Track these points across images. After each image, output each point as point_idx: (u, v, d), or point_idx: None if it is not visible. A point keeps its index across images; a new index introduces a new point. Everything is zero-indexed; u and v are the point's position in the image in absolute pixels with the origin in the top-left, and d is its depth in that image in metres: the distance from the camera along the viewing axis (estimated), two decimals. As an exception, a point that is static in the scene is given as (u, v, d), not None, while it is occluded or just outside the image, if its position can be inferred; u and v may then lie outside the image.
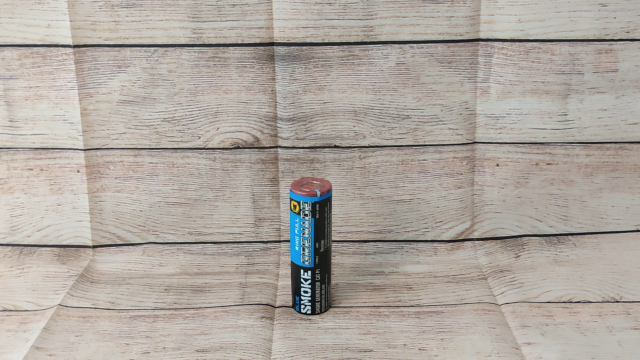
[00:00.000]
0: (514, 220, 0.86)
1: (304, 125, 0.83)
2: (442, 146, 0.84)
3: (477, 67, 0.82)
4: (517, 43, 0.81)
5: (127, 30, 0.80)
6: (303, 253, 0.72)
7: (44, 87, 0.82)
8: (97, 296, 0.78)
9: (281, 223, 0.86)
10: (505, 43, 0.81)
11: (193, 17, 0.80)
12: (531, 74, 0.82)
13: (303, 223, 0.71)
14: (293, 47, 0.80)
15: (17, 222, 0.86)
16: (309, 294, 0.74)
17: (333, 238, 0.86)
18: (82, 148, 0.84)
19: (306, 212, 0.71)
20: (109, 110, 0.83)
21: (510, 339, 0.69)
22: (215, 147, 0.84)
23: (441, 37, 0.80)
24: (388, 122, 0.83)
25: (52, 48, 0.81)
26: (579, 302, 0.75)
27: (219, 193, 0.85)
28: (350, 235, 0.86)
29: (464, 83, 0.82)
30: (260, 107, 0.83)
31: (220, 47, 0.81)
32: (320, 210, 0.71)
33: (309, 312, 0.74)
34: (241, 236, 0.86)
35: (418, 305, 0.75)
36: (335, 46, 0.81)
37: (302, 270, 0.73)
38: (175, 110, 0.83)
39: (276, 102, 0.82)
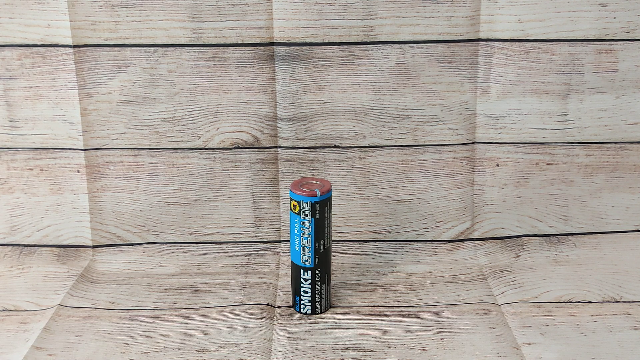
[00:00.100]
0: (514, 220, 0.86)
1: (304, 125, 0.83)
2: (442, 146, 0.84)
3: (477, 67, 0.82)
4: (517, 43, 0.81)
5: (127, 30, 0.80)
6: (303, 253, 0.72)
7: (44, 87, 0.82)
8: (97, 296, 0.78)
9: (281, 223, 0.86)
10: (505, 43, 0.81)
11: (193, 17, 0.80)
12: (531, 74, 0.82)
13: (303, 223, 0.71)
14: (293, 47, 0.80)
15: (17, 222, 0.86)
16: (309, 294, 0.74)
17: (333, 238, 0.86)
18: (82, 148, 0.84)
19: (306, 212, 0.71)
20: (109, 110, 0.83)
21: (510, 339, 0.69)
22: (215, 147, 0.84)
23: (441, 37, 0.80)
24: (388, 122, 0.83)
25: (52, 48, 0.81)
26: (579, 302, 0.75)
27: (219, 193, 0.85)
28: (350, 235, 0.86)
29: (464, 83, 0.82)
30: (260, 107, 0.83)
31: (220, 47, 0.81)
32: (320, 210, 0.71)
33: (309, 312, 0.74)
34: (241, 236, 0.86)
35: (418, 305, 0.75)
36: (335, 46, 0.81)
37: (302, 270, 0.73)
38: (175, 110, 0.83)
39: (276, 102, 0.82)
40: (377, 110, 0.83)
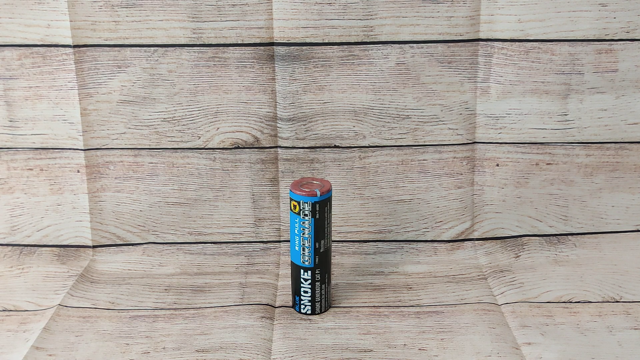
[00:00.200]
0: (514, 220, 0.86)
1: (304, 125, 0.83)
2: (442, 146, 0.84)
3: (477, 67, 0.82)
4: (517, 43, 0.81)
5: (127, 30, 0.80)
6: (303, 253, 0.72)
7: (44, 87, 0.82)
8: (97, 296, 0.78)
9: (281, 223, 0.86)
10: (505, 43, 0.81)
11: (193, 17, 0.80)
12: (531, 74, 0.82)
13: (303, 223, 0.71)
14: (293, 47, 0.80)
15: (17, 222, 0.86)
16: (309, 294, 0.74)
17: (333, 238, 0.86)
18: (82, 148, 0.84)
19: (306, 212, 0.71)
20: (109, 110, 0.83)
21: (510, 339, 0.69)
22: (215, 147, 0.84)
23: (441, 37, 0.80)
24: (388, 122, 0.83)
25: (52, 48, 0.81)
26: (579, 302, 0.75)
27: (219, 193, 0.85)
28: (350, 235, 0.86)
29: (464, 83, 0.82)
30: (260, 107, 0.83)
31: (220, 47, 0.81)
32: (320, 210, 0.71)
33: (309, 312, 0.74)
34: (241, 236, 0.86)
35: (418, 305, 0.75)
36: (335, 46, 0.81)
37: (302, 270, 0.73)
38: (175, 110, 0.83)
39: (276, 102, 0.82)
40: (377, 110, 0.83)
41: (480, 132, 0.84)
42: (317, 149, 0.84)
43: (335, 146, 0.84)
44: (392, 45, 0.81)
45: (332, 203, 0.84)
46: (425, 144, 0.84)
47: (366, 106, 0.82)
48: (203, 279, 0.81)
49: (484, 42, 0.81)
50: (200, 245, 0.86)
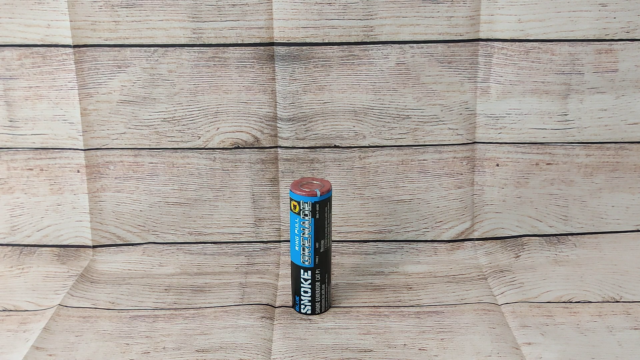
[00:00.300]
0: (514, 220, 0.86)
1: (304, 125, 0.83)
2: (442, 146, 0.84)
3: (477, 67, 0.82)
4: (517, 43, 0.81)
5: (127, 30, 0.80)
6: (303, 253, 0.72)
7: (44, 87, 0.82)
8: (97, 296, 0.78)
9: (281, 223, 0.86)
10: (505, 43, 0.81)
11: (193, 17, 0.80)
12: (531, 74, 0.82)
13: (303, 223, 0.71)
14: (293, 47, 0.80)
15: (17, 222, 0.86)
16: (309, 294, 0.74)
17: (333, 238, 0.86)
18: (82, 148, 0.84)
19: (306, 212, 0.71)
20: (109, 110, 0.83)
21: (510, 339, 0.69)
22: (215, 147, 0.84)
23: (441, 37, 0.80)
24: (388, 122, 0.83)
25: (52, 48, 0.81)
26: (579, 302, 0.75)
27: (219, 193, 0.85)
28: (350, 235, 0.86)
29: (464, 83, 0.82)
30: (260, 107, 0.83)
31: (220, 47, 0.81)
32: (320, 210, 0.71)
33: (309, 312, 0.74)
34: (241, 236, 0.86)
35: (418, 305, 0.75)
36: (335, 46, 0.81)
37: (302, 270, 0.73)
38: (175, 110, 0.83)
39: (276, 102, 0.82)
40: (377, 110, 0.83)
41: (480, 132, 0.84)
42: (317, 149, 0.84)
43: (335, 146, 0.84)
44: (392, 45, 0.81)
45: (332, 203, 0.84)
46: (425, 144, 0.84)
47: (366, 106, 0.82)
48: (203, 279, 0.81)
49: (484, 42, 0.81)
50: (200, 245, 0.86)
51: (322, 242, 0.72)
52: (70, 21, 0.80)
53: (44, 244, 0.86)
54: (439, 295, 0.77)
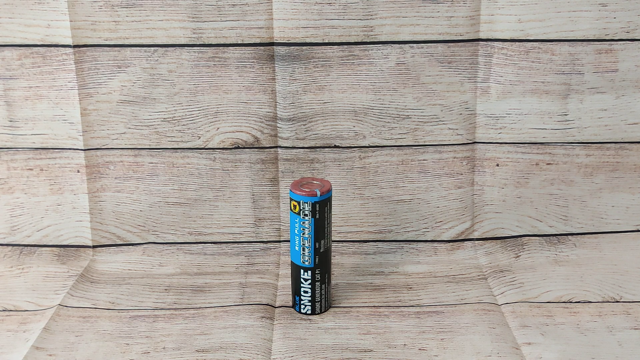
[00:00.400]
0: (514, 220, 0.86)
1: (304, 125, 0.83)
2: (442, 146, 0.84)
3: (477, 67, 0.82)
4: (517, 43, 0.81)
5: (127, 30, 0.80)
6: (303, 253, 0.72)
7: (44, 87, 0.82)
8: (97, 296, 0.78)
9: (281, 223, 0.86)
10: (505, 43, 0.81)
11: (193, 17, 0.80)
12: (531, 74, 0.82)
13: (303, 223, 0.71)
14: (293, 47, 0.80)
15: (17, 222, 0.86)
16: (309, 294, 0.74)
17: (333, 238, 0.86)
18: (82, 148, 0.84)
19: (306, 212, 0.71)
20: (109, 110, 0.83)
21: (510, 339, 0.69)
22: (215, 147, 0.84)
23: (441, 37, 0.80)
24: (388, 122, 0.83)
25: (52, 48, 0.81)
26: (579, 302, 0.75)
27: (219, 193, 0.85)
28: (350, 235, 0.86)
29: (464, 83, 0.82)
30: (260, 107, 0.83)
31: (220, 47, 0.81)
32: (320, 210, 0.71)
33: (309, 312, 0.74)
34: (241, 236, 0.86)
35: (418, 305, 0.75)
36: (335, 46, 0.81)
37: (302, 270, 0.73)
38: (175, 110, 0.83)
39: (276, 102, 0.82)
40: (377, 110, 0.83)
41: (480, 132, 0.84)
42: (317, 149, 0.84)
43: (335, 146, 0.84)
44: (392, 45, 0.81)
45: (332, 203, 0.84)
46: (425, 144, 0.84)
47: (366, 106, 0.82)
48: (203, 279, 0.81)
49: (484, 42, 0.81)
50: (200, 245, 0.86)
51: (322, 242, 0.72)
52: (70, 21, 0.80)
53: (44, 244, 0.86)
54: (439, 295, 0.77)
